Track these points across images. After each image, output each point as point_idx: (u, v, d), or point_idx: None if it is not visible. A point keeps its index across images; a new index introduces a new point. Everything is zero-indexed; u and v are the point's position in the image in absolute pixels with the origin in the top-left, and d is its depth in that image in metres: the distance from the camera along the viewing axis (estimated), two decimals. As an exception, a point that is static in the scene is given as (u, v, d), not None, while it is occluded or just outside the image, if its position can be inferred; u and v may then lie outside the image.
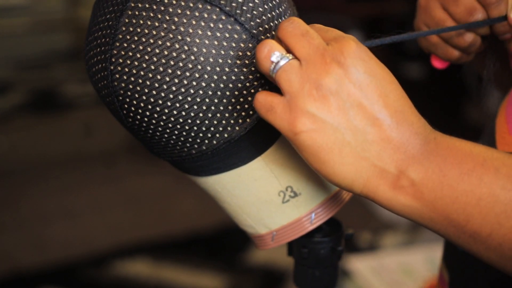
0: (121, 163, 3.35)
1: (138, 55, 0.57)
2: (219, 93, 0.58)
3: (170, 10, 0.57)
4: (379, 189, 0.53)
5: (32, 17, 3.49)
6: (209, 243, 2.67)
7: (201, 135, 0.60)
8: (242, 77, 0.58)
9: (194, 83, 0.57)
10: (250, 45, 0.58)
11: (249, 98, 0.59)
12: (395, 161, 0.52)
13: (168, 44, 0.57)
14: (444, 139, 0.53)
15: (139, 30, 0.57)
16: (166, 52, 0.57)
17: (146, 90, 0.58)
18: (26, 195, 3.03)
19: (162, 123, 0.59)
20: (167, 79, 0.57)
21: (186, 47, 0.57)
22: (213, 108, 0.59)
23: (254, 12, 0.58)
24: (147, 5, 0.57)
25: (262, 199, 0.66)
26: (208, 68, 0.57)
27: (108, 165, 3.33)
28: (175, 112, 0.59)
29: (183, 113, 0.59)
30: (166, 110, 0.58)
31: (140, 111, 0.59)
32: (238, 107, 0.59)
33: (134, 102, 0.59)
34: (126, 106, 0.60)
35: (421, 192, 0.52)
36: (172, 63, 0.57)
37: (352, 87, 0.52)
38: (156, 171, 3.12)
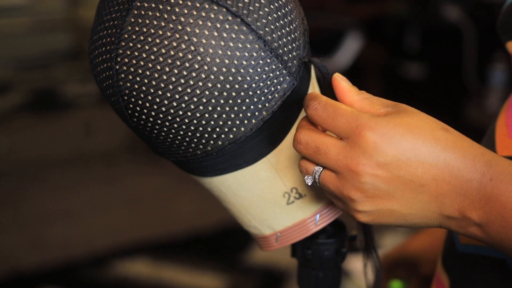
0: (121, 163, 3.35)
1: (144, 55, 0.57)
2: (225, 93, 0.58)
3: (177, 9, 0.56)
4: (452, 228, 0.55)
5: (32, 17, 3.49)
6: (209, 243, 2.67)
7: (206, 135, 0.60)
8: (248, 78, 0.58)
9: (200, 83, 0.57)
10: (257, 46, 0.58)
11: (255, 99, 0.59)
12: (457, 209, 0.53)
13: (174, 44, 0.56)
14: (501, 179, 0.52)
15: (145, 29, 0.57)
16: (172, 52, 0.56)
17: (152, 90, 0.58)
18: (26, 195, 3.03)
19: (167, 123, 0.59)
20: (173, 79, 0.57)
21: (192, 47, 0.56)
22: (218, 108, 0.58)
23: (261, 13, 0.58)
24: (153, 5, 0.57)
25: (267, 200, 0.66)
26: (214, 68, 0.57)
27: (108, 165, 3.33)
28: (180, 112, 0.58)
29: (189, 113, 0.58)
30: (172, 110, 0.58)
31: (145, 111, 0.59)
32: (243, 107, 0.59)
33: (140, 102, 0.59)
34: (131, 106, 0.59)
35: (487, 232, 0.53)
36: (178, 63, 0.57)
37: (386, 174, 0.53)
38: (156, 171, 3.13)
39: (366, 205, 0.55)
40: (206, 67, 0.57)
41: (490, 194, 0.52)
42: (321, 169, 0.56)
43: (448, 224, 0.55)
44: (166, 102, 0.58)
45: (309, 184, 0.58)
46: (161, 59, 0.57)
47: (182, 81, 0.57)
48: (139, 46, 0.57)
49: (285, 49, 0.60)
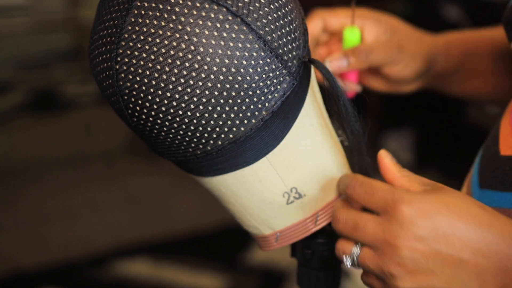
0: (121, 163, 3.35)
1: (144, 55, 0.57)
2: (225, 93, 0.58)
3: (177, 9, 0.56)
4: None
5: (32, 17, 3.49)
6: (209, 243, 2.67)
7: (206, 135, 0.60)
8: (248, 78, 0.58)
9: (200, 83, 0.57)
10: (257, 45, 0.58)
11: (255, 99, 0.59)
12: (499, 286, 0.54)
13: (174, 43, 0.56)
14: None
15: (145, 29, 0.57)
16: (172, 52, 0.56)
17: (152, 90, 0.58)
18: (26, 195, 3.03)
19: (167, 123, 0.59)
20: (173, 78, 0.57)
21: (192, 47, 0.56)
22: (218, 108, 0.58)
23: (261, 13, 0.58)
24: (153, 4, 0.57)
25: (267, 200, 0.66)
26: (214, 68, 0.57)
27: (108, 165, 3.33)
28: (180, 112, 0.58)
29: (189, 113, 0.58)
30: (172, 110, 0.58)
31: (145, 110, 0.59)
32: (243, 107, 0.59)
33: (140, 101, 0.59)
34: (131, 105, 0.60)
35: None
36: (178, 62, 0.57)
37: (425, 247, 0.54)
38: (156, 171, 3.12)
39: (407, 282, 0.55)
40: (206, 67, 0.57)
41: None
42: (359, 248, 0.57)
43: None
44: (166, 101, 0.58)
45: (349, 266, 0.59)
46: (161, 58, 0.57)
47: (182, 80, 0.57)
48: (139, 45, 0.57)
49: (285, 49, 0.60)
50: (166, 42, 0.56)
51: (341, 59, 0.82)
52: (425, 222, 0.54)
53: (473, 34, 0.96)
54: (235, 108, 0.59)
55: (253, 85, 0.59)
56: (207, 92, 0.58)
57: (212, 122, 0.59)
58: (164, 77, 0.57)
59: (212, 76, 0.57)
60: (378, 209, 0.56)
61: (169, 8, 0.57)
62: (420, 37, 0.88)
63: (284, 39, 0.60)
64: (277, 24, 0.59)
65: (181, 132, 0.60)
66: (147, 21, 0.57)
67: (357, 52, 0.82)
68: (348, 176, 0.61)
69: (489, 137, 0.72)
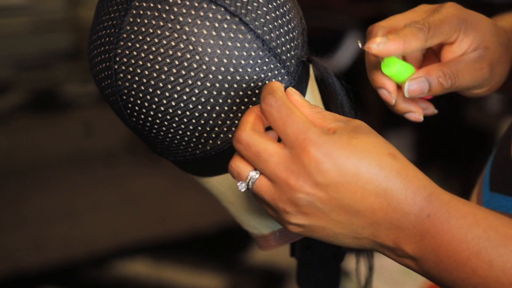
0: (121, 164, 3.35)
1: (143, 55, 0.57)
2: (223, 93, 0.58)
3: (175, 9, 0.57)
4: (385, 254, 0.55)
5: (32, 17, 3.49)
6: (209, 243, 2.67)
7: (205, 135, 0.60)
8: (246, 77, 0.58)
9: (199, 83, 0.57)
10: (255, 45, 0.58)
11: (254, 99, 0.59)
12: (391, 239, 0.53)
13: (173, 43, 0.56)
14: (438, 216, 0.51)
15: (143, 29, 0.57)
16: (170, 52, 0.57)
17: (151, 90, 0.58)
18: (26, 195, 3.03)
19: (166, 123, 0.59)
20: (172, 78, 0.57)
21: (191, 47, 0.57)
22: (217, 108, 0.58)
23: (259, 12, 0.58)
24: (151, 5, 0.57)
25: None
26: (213, 68, 0.57)
27: (108, 165, 3.33)
28: (179, 112, 0.58)
29: (188, 113, 0.58)
30: (171, 110, 0.58)
31: (144, 110, 0.59)
32: (242, 107, 0.59)
33: (138, 101, 0.59)
34: (130, 105, 0.60)
35: (421, 266, 0.53)
36: (176, 62, 0.57)
37: (324, 194, 0.52)
38: (156, 172, 3.12)
39: (299, 219, 0.54)
40: (204, 66, 0.57)
41: (427, 230, 0.51)
42: (257, 176, 0.54)
43: (381, 250, 0.54)
44: (164, 101, 0.58)
45: (242, 190, 0.55)
46: (159, 58, 0.57)
47: (181, 80, 0.57)
48: (137, 45, 0.57)
49: (283, 48, 0.60)
50: (164, 41, 0.57)
51: (421, 81, 0.63)
52: (330, 170, 0.51)
53: None
54: (234, 107, 0.59)
55: (252, 84, 0.59)
56: (205, 92, 0.58)
57: (211, 122, 0.59)
58: (163, 76, 0.57)
59: (210, 76, 0.57)
60: (287, 142, 0.52)
61: (167, 8, 0.57)
62: (507, 49, 0.70)
63: (283, 39, 0.60)
64: (275, 23, 0.59)
65: (180, 132, 0.60)
66: (146, 21, 0.57)
67: (442, 76, 0.64)
68: (272, 88, 0.55)
69: (504, 136, 0.69)
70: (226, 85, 0.58)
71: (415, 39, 0.60)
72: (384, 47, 0.60)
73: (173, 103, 0.58)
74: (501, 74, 0.69)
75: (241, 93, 0.59)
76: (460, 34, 0.64)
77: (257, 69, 0.58)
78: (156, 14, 0.57)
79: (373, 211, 0.52)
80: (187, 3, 0.57)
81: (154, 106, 0.58)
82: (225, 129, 0.60)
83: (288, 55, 0.61)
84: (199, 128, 0.59)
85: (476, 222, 0.51)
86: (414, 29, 0.61)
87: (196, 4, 0.57)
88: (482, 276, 0.50)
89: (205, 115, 0.59)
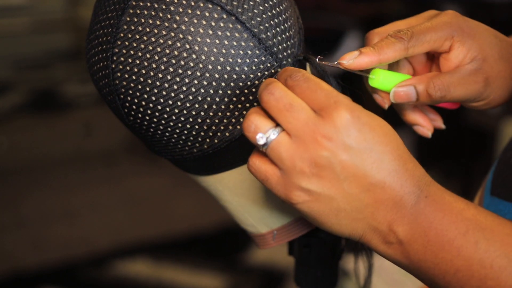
0: (121, 163, 3.35)
1: (140, 54, 0.57)
2: (220, 92, 0.58)
3: (172, 8, 0.57)
4: (372, 242, 0.55)
5: (32, 17, 3.49)
6: (209, 243, 2.67)
7: (202, 134, 0.60)
8: (243, 76, 0.58)
9: (196, 81, 0.57)
10: (251, 44, 0.58)
11: (251, 97, 0.59)
12: (388, 220, 0.53)
13: (170, 42, 0.57)
14: (434, 199, 0.53)
15: (140, 28, 0.57)
16: (167, 51, 0.57)
17: (148, 89, 0.58)
18: (26, 195, 3.03)
19: (163, 122, 0.59)
20: (169, 77, 0.57)
21: (187, 46, 0.57)
22: (214, 107, 0.59)
23: (255, 11, 0.58)
24: (148, 4, 0.57)
25: (263, 198, 0.66)
26: (210, 67, 0.57)
27: (108, 165, 3.33)
28: (176, 111, 0.58)
29: (185, 112, 0.59)
30: (168, 109, 0.58)
31: (141, 109, 0.59)
32: (239, 106, 0.59)
33: (136, 100, 0.59)
34: (127, 104, 0.60)
35: (407, 251, 0.53)
36: (173, 61, 0.57)
37: (345, 159, 0.52)
38: (156, 171, 3.12)
39: (312, 183, 0.53)
40: (201, 65, 0.57)
41: (422, 211, 0.53)
42: (278, 132, 0.53)
43: (370, 236, 0.55)
44: (161, 100, 0.58)
45: (261, 144, 0.53)
46: (156, 57, 0.57)
47: (178, 79, 0.57)
48: (134, 45, 0.57)
49: (280, 46, 0.60)
50: (161, 41, 0.57)
51: (409, 88, 0.63)
52: (357, 133, 0.52)
53: None
54: (231, 106, 0.59)
55: (248, 83, 0.59)
56: (202, 91, 0.58)
57: (208, 121, 0.59)
58: (160, 75, 0.57)
59: (207, 75, 0.57)
60: (316, 107, 0.52)
61: (164, 7, 0.57)
62: (510, 58, 0.67)
63: (279, 37, 0.60)
64: (271, 22, 0.60)
65: (177, 131, 0.60)
66: (143, 20, 0.57)
67: (432, 87, 0.63)
68: (293, 69, 0.55)
69: (510, 140, 0.69)
70: (223, 84, 0.58)
71: (392, 50, 0.60)
72: (355, 61, 0.60)
73: (170, 102, 0.58)
74: (501, 89, 0.66)
75: (238, 91, 0.59)
76: (455, 42, 0.63)
77: (254, 67, 0.59)
78: (153, 13, 0.57)
79: (382, 188, 0.53)
80: (184, 2, 0.57)
81: (151, 105, 0.59)
82: (222, 127, 0.60)
83: (285, 53, 0.61)
84: (196, 126, 0.60)
85: (467, 208, 0.53)
86: (391, 40, 0.61)
87: (193, 3, 0.57)
88: (466, 258, 0.52)
89: (202, 113, 0.59)
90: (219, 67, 0.57)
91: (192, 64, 0.57)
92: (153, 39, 0.57)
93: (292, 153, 0.52)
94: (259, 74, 0.59)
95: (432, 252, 0.53)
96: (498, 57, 0.65)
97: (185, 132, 0.60)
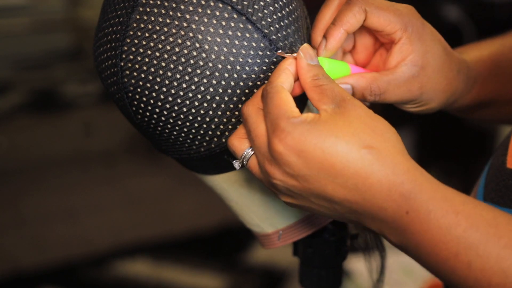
0: (121, 163, 3.35)
1: (149, 52, 0.57)
2: (229, 91, 0.58)
3: (182, 7, 0.57)
4: (372, 230, 0.55)
5: (32, 17, 3.49)
6: (209, 243, 2.67)
7: (210, 133, 0.60)
8: (253, 76, 0.58)
9: (205, 81, 0.57)
10: (262, 44, 0.58)
11: None
12: (376, 227, 0.53)
13: (180, 41, 0.57)
14: (417, 215, 0.51)
15: (150, 26, 0.57)
16: (177, 49, 0.57)
17: (157, 87, 0.58)
18: (26, 195, 3.02)
19: (171, 121, 0.59)
20: (178, 76, 0.57)
21: (197, 45, 0.57)
22: (223, 106, 0.59)
23: (265, 11, 0.58)
24: (158, 2, 0.57)
25: (269, 198, 0.66)
26: (219, 66, 0.57)
27: (108, 165, 3.33)
28: (185, 109, 0.58)
29: (193, 110, 0.58)
30: (176, 108, 0.58)
31: (149, 108, 0.59)
32: (247, 105, 0.59)
33: (144, 99, 0.59)
34: (135, 103, 0.60)
35: (405, 250, 0.53)
36: (183, 60, 0.57)
37: (296, 183, 0.53)
38: (156, 171, 3.12)
39: (287, 199, 0.56)
40: (211, 64, 0.57)
41: (406, 226, 0.51)
42: (251, 154, 0.56)
43: (368, 228, 0.55)
44: (170, 99, 0.58)
45: (237, 168, 0.57)
46: (166, 56, 0.57)
47: (187, 78, 0.57)
48: (144, 43, 0.57)
49: (292, 48, 0.60)
50: (171, 39, 0.57)
51: (346, 86, 0.63)
52: (295, 162, 0.52)
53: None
54: (239, 105, 0.59)
55: (258, 82, 0.59)
56: (211, 89, 0.58)
57: (216, 120, 0.59)
58: (169, 74, 0.57)
59: (217, 74, 0.57)
60: (268, 131, 0.54)
61: (174, 5, 0.57)
62: (449, 80, 0.68)
63: (291, 38, 0.60)
64: (282, 23, 0.59)
65: (185, 130, 0.60)
66: (152, 18, 0.57)
67: (368, 91, 0.64)
68: (271, 77, 0.56)
69: (501, 145, 0.68)
70: (232, 83, 0.58)
71: (351, 16, 0.60)
72: (328, 47, 0.60)
73: (179, 101, 0.58)
74: (434, 100, 0.67)
75: (247, 91, 0.59)
76: (405, 37, 0.63)
77: (264, 67, 0.59)
78: (163, 11, 0.57)
79: (349, 203, 0.52)
80: (194, 1, 0.57)
81: (159, 104, 0.59)
82: (230, 127, 0.60)
83: (295, 55, 0.61)
84: (204, 125, 0.59)
85: (457, 222, 0.50)
86: (347, 7, 0.61)
87: (203, 2, 0.57)
88: (462, 276, 0.50)
89: (211, 112, 0.59)
90: (229, 67, 0.57)
91: (201, 63, 0.57)
92: (162, 38, 0.57)
93: (260, 177, 0.56)
94: (269, 74, 0.59)
95: (429, 265, 0.52)
96: (438, 69, 0.65)
97: (193, 131, 0.60)
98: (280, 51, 0.59)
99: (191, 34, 0.57)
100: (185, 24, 0.57)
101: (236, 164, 0.57)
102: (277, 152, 0.52)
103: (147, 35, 0.57)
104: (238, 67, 0.58)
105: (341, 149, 0.51)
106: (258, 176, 0.56)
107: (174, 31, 0.57)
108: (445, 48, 0.67)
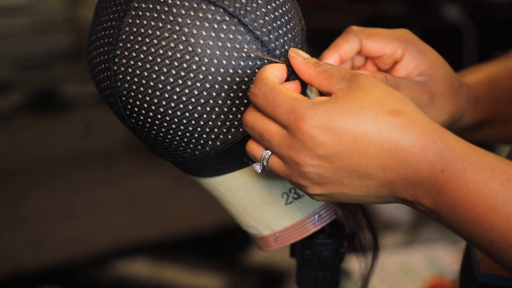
0: (121, 163, 3.35)
1: (142, 56, 0.57)
2: (223, 94, 0.58)
3: (174, 10, 0.57)
4: (410, 206, 0.55)
5: (32, 17, 3.49)
6: (209, 243, 2.67)
7: (204, 136, 0.60)
8: (246, 79, 0.58)
9: (198, 84, 0.57)
10: (254, 46, 0.58)
11: None
12: (410, 194, 0.53)
13: (172, 45, 0.56)
14: (452, 171, 0.50)
15: (142, 30, 0.57)
16: (170, 53, 0.57)
17: (150, 91, 0.58)
18: (26, 195, 3.03)
19: (165, 124, 0.59)
20: (171, 79, 0.57)
21: (190, 48, 0.57)
22: (216, 109, 0.58)
23: (258, 13, 0.58)
24: (150, 5, 0.57)
25: (266, 201, 0.66)
26: (212, 69, 0.57)
27: (108, 165, 3.33)
28: (178, 113, 0.58)
29: (187, 114, 0.58)
30: (170, 111, 0.58)
31: (143, 111, 0.59)
32: (242, 108, 0.59)
33: (138, 102, 0.59)
34: (129, 106, 0.60)
35: (442, 218, 0.52)
36: (176, 63, 0.57)
37: (329, 164, 0.53)
38: (156, 171, 3.13)
39: (317, 190, 0.55)
40: (203, 68, 0.57)
41: (442, 186, 0.51)
42: (269, 154, 0.56)
43: (406, 204, 0.54)
44: (164, 102, 0.58)
45: (259, 171, 0.57)
46: (158, 59, 0.57)
47: (180, 81, 0.57)
48: (136, 46, 0.57)
49: (282, 50, 0.60)
50: (163, 43, 0.57)
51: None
52: (328, 141, 0.51)
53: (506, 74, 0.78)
54: (233, 108, 0.59)
55: (251, 85, 0.59)
56: (204, 93, 0.58)
57: (210, 123, 0.59)
58: (162, 77, 0.57)
59: (210, 77, 0.57)
60: (283, 124, 0.53)
61: (166, 9, 0.57)
62: (455, 91, 0.69)
63: (281, 40, 0.60)
64: (274, 25, 0.59)
65: (179, 133, 0.60)
66: (145, 22, 0.57)
67: (384, 80, 0.65)
68: (257, 77, 0.56)
69: (509, 154, 0.68)
70: (225, 86, 0.58)
71: (347, 44, 0.64)
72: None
73: (172, 104, 0.58)
74: (442, 110, 0.68)
75: (240, 94, 0.59)
76: (406, 54, 0.65)
77: (256, 70, 0.58)
78: (155, 15, 0.57)
79: (384, 172, 0.52)
80: (186, 4, 0.57)
81: (153, 107, 0.58)
82: (224, 130, 0.60)
83: (287, 56, 0.61)
84: (198, 129, 0.59)
85: (494, 176, 0.50)
86: (346, 35, 0.64)
87: (195, 5, 0.57)
88: (500, 231, 0.49)
89: (204, 116, 0.59)
90: (221, 70, 0.57)
91: (194, 67, 0.57)
92: (155, 41, 0.57)
93: (285, 172, 0.55)
94: None
95: (464, 225, 0.51)
96: (445, 78, 0.67)
97: (187, 134, 0.60)
98: (267, 55, 0.59)
99: (183, 38, 0.56)
100: (177, 28, 0.56)
101: (257, 167, 0.57)
102: (307, 135, 0.52)
103: (139, 39, 0.57)
104: (230, 70, 0.58)
105: (370, 118, 0.52)
106: (284, 173, 0.55)
107: (166, 35, 0.57)
108: (444, 62, 0.69)
